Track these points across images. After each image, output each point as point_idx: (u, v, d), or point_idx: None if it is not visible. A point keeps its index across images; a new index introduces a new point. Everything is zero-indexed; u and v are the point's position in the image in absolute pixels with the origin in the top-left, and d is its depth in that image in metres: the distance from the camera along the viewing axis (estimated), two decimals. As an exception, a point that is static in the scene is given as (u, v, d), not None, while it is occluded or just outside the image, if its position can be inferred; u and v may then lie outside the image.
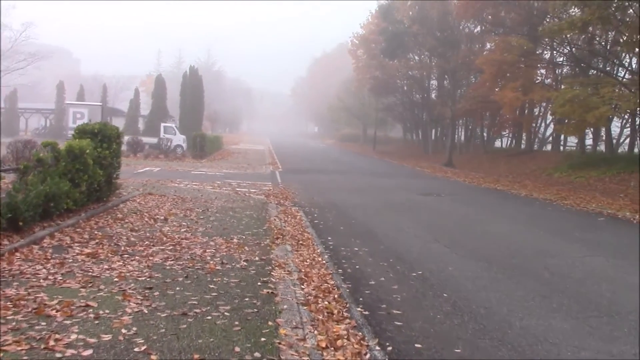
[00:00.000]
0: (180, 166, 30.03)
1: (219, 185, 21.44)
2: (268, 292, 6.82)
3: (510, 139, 53.35)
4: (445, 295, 7.39)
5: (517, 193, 22.91)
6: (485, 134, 52.43)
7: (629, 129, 39.69)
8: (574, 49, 34.43)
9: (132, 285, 6.73)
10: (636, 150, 35.43)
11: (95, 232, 9.84)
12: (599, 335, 6.08)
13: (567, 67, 40.19)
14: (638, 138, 35.89)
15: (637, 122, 34.80)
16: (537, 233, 12.96)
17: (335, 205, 17.00)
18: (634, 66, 34.06)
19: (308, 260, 9.01)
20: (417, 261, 9.44)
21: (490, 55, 34.31)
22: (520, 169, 35.77)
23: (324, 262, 9.03)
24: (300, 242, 10.69)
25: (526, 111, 40.97)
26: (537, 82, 36.29)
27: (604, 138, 38.09)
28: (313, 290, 7.22)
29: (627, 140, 40.17)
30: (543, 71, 40.38)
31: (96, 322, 5.43)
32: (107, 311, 5.74)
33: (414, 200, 18.98)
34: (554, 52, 38.81)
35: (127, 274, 7.23)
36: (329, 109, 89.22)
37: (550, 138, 48.69)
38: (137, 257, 8.18)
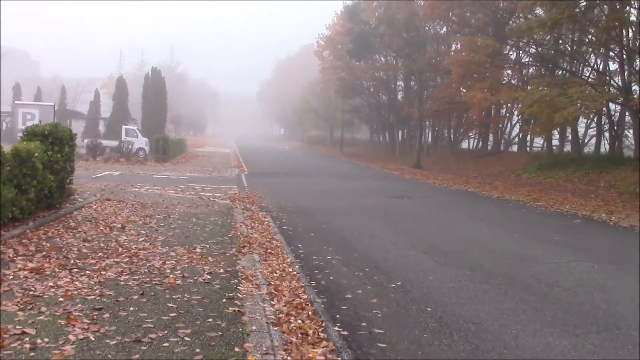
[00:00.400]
0: (141, 170, 28.96)
1: (182, 189, 20.55)
2: (234, 311, 6.07)
3: (476, 140, 53.51)
4: (429, 309, 6.75)
5: (489, 195, 22.55)
6: (451, 136, 52.40)
7: (594, 129, 40.01)
8: (540, 49, 34.42)
9: (79, 305, 5.91)
10: (602, 150, 35.59)
11: (43, 244, 8.94)
12: (604, 354, 5.50)
13: (533, 67, 40.34)
14: (603, 138, 36.05)
15: (603, 122, 34.93)
16: (516, 237, 12.46)
17: (305, 210, 16.30)
18: (599, 66, 34.23)
19: (278, 272, 8.29)
20: (395, 270, 8.80)
21: (458, 55, 34.03)
22: (488, 170, 35.63)
23: (295, 273, 8.32)
24: (269, 250, 9.96)
25: (492, 112, 40.87)
26: (504, 82, 36.14)
27: (569, 139, 38.26)
28: (285, 306, 6.51)
29: (593, 141, 40.57)
30: (509, 72, 40.38)
31: (32, 354, 4.62)
32: (46, 340, 4.93)
33: (385, 204, 18.39)
34: (520, 52, 38.87)
35: (75, 292, 6.40)
36: (295, 111, 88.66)
37: (517, 139, 48.98)
38: (87, 272, 7.34)
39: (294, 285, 7.51)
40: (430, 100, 43.25)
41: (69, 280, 6.87)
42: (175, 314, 5.81)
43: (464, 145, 54.36)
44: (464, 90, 43.26)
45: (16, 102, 29.51)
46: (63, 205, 12.74)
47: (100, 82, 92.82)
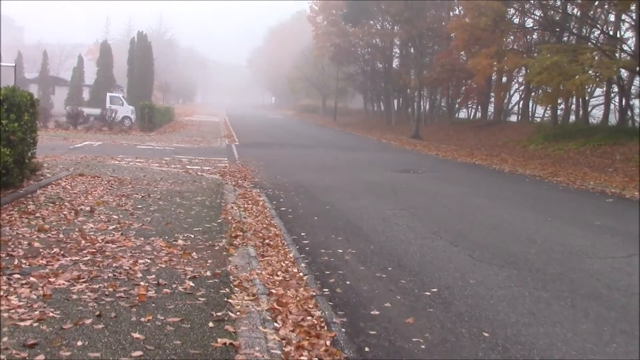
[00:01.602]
0: (125, 140, 27.05)
1: (167, 162, 18.75)
2: (224, 344, 4.37)
3: (474, 109, 51.72)
4: (486, 334, 5.06)
5: (499, 168, 20.88)
6: (447, 105, 50.46)
7: (596, 98, 38.29)
8: (548, 12, 32.44)
9: (5, 339, 4.18)
10: (612, 120, 33.91)
11: (-14, 235, 7.18)
12: None
13: (536, 33, 38.32)
14: (613, 108, 34.34)
15: (614, 91, 33.17)
16: (550, 221, 10.76)
17: (304, 187, 14.56)
18: (610, 31, 32.34)
19: (280, 273, 6.58)
20: (424, 270, 7.11)
21: (462, 20, 31.97)
22: (490, 141, 33.95)
23: (302, 275, 6.62)
24: (267, 241, 8.25)
25: (494, 80, 39.02)
26: (509, 48, 34.18)
27: (574, 109, 36.54)
28: (292, 331, 4.82)
29: (595, 111, 38.92)
30: (512, 38, 38.38)
31: None
32: None
33: (391, 179, 16.67)
34: (525, 16, 36.84)
35: (5, 314, 4.66)
36: (287, 79, 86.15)
37: (516, 108, 47.23)
38: (32, 278, 5.59)
39: (302, 295, 5.81)
40: (430, 68, 41.19)
41: (2, 293, 5.12)
42: (140, 353, 4.09)
43: (461, 114, 52.57)
44: (466, 57, 41.44)
45: (-31, 65, 26.49)
46: (25, 184, 10.93)
47: (86, 48, 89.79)
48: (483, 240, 8.82)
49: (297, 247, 8.10)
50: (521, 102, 44.73)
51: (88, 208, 9.50)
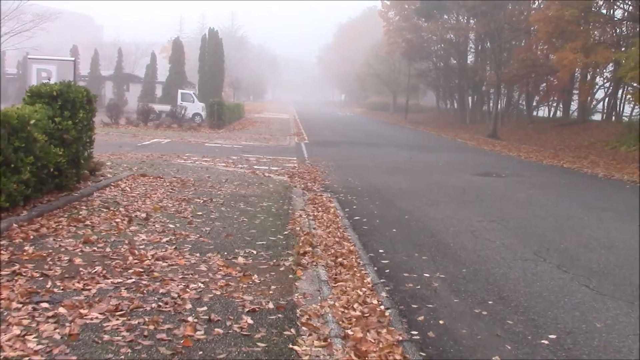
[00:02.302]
0: (193, 137, 26.58)
1: (234, 161, 17.94)
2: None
3: (553, 107, 48.98)
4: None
5: (592, 172, 19.02)
6: (526, 103, 47.87)
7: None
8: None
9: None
10: None
11: (25, 248, 6.37)
12: None
13: (625, 25, 35.49)
14: None
15: None
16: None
17: (378, 191, 13.37)
18: None
19: (357, 306, 5.44)
20: (534, 306, 5.80)
21: (545, 12, 29.85)
22: (575, 141, 31.66)
23: (383, 308, 5.45)
24: (340, 259, 7.13)
25: (578, 76, 36.49)
26: (596, 42, 31.71)
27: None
28: (377, 398, 3.67)
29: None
30: (598, 31, 35.70)
31: None
32: None
33: (472, 184, 15.23)
34: (613, 8, 34.20)
35: (17, 361, 3.73)
36: (357, 76, 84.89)
37: (600, 106, 44.27)
38: (62, 309, 4.67)
39: (385, 340, 4.63)
40: (507, 64, 39.03)
41: (19, 332, 4.19)
42: None
43: (539, 113, 49.86)
44: (547, 52, 39.08)
45: (29, 56, 24.99)
46: (81, 185, 10.23)
47: (160, 46, 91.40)
48: (597, 265, 7.38)
49: (376, 268, 6.93)
50: (606, 100, 41.91)
51: (144, 215, 8.64)
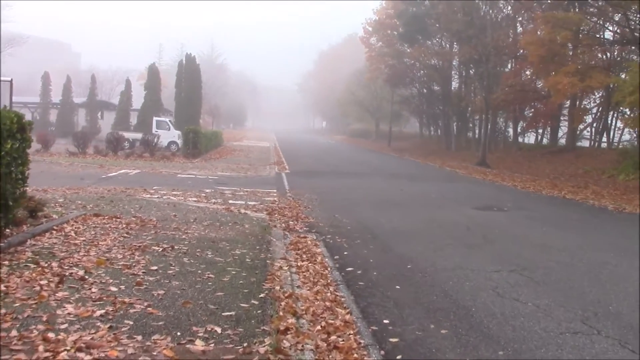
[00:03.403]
0: (166, 168, 24.68)
1: (207, 195, 16.10)
2: None
3: (539, 134, 47.94)
4: None
5: (599, 205, 17.46)
6: (512, 129, 46.62)
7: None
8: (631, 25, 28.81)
9: None
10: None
11: None
12: None
13: (616, 48, 34.48)
14: None
15: None
16: None
17: (370, 231, 11.62)
18: None
19: None
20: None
21: (538, 34, 28.65)
22: (568, 169, 30.35)
23: None
24: (333, 336, 5.33)
25: (567, 102, 35.31)
26: (591, 66, 30.58)
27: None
28: None
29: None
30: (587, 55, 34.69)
31: None
32: None
33: (475, 220, 13.55)
34: (603, 30, 33.20)
35: None
36: (338, 102, 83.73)
37: (587, 133, 43.17)
38: None
39: None
40: (498, 89, 37.83)
41: None
42: None
43: (525, 140, 48.69)
44: (536, 77, 37.99)
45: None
46: (13, 231, 8.35)
47: (137, 73, 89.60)
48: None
49: (383, 352, 5.14)
50: (594, 126, 40.86)
51: (81, 272, 6.78)
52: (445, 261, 8.96)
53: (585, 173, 28.47)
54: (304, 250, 9.38)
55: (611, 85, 31.21)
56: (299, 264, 8.29)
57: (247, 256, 8.38)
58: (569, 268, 8.77)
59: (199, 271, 7.29)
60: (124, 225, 10.16)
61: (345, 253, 9.43)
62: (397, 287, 7.42)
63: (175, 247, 8.61)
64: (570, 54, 29.69)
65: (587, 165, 30.60)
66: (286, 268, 7.94)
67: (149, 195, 15.20)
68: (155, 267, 7.29)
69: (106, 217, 10.87)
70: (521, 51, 37.91)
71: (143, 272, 7.01)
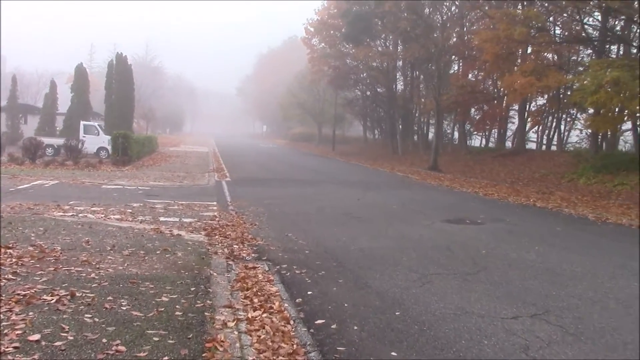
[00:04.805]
0: (90, 177, 21.80)
1: (134, 211, 13.57)
2: None
3: (485, 137, 47.10)
4: None
5: (577, 214, 15.82)
6: (461, 132, 45.46)
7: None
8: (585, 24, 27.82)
9: None
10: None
11: None
12: None
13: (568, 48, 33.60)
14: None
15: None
16: None
17: (334, 257, 9.41)
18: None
19: None
20: None
21: (493, 31, 27.18)
22: (523, 173, 29.09)
23: None
24: None
25: (529, 104, 34.24)
26: (547, 65, 29.40)
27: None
28: None
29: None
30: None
31: None
32: None
33: (452, 237, 11.55)
34: (558, 28, 32.24)
35: None
36: (280, 106, 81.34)
37: (535, 135, 42.45)
38: None
39: None
40: (444, 90, 36.39)
41: None
42: None
43: (471, 143, 47.69)
44: (491, 76, 36.86)
45: None
46: None
47: (66, 75, 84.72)
48: None
49: None
50: (539, 128, 40.08)
51: None
52: (441, 302, 6.85)
53: (543, 177, 27.22)
54: (254, 290, 7.11)
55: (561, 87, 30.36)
56: (250, 316, 6.01)
57: (178, 305, 6.06)
58: (602, 308, 6.79)
59: (104, 339, 4.93)
60: (14, 260, 7.64)
61: (310, 293, 7.19)
62: (394, 353, 5.23)
63: (78, 294, 6.20)
64: (528, 52, 28.44)
65: (541, 168, 29.43)
66: (233, 324, 5.66)
67: (61, 214, 12.56)
68: (36, 337, 4.88)
69: (-6, 248, 8.30)
70: (470, 52, 36.72)
71: (14, 349, 4.60)
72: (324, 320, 6.06)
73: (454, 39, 38.42)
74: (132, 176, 23.10)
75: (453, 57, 38.91)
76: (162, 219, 12.67)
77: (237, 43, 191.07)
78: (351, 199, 17.93)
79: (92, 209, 13.65)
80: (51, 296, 6.09)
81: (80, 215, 12.46)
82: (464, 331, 5.81)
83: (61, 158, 27.40)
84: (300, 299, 6.87)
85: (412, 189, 22.40)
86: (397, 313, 6.38)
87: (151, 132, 67.99)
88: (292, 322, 5.95)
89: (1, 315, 5.38)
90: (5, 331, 4.97)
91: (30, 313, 5.49)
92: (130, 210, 13.65)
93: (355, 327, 5.89)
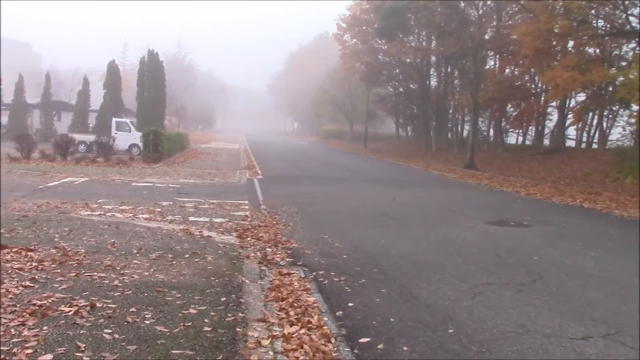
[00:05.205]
0: (120, 174, 21.50)
1: (163, 210, 13.10)
2: None
3: (519, 135, 45.83)
4: None
5: (629, 216, 14.87)
6: (497, 129, 44.16)
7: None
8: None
9: None
10: None
11: None
12: None
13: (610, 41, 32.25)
14: None
15: None
16: None
17: (374, 262, 8.76)
18: None
19: None
20: None
21: (533, 25, 26.11)
22: (564, 172, 28.00)
23: None
24: None
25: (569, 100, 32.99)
26: (591, 59, 28.22)
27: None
28: None
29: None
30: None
31: None
32: None
33: (497, 241, 10.78)
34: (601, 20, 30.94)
35: None
36: (312, 102, 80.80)
37: (573, 133, 41.01)
38: None
39: None
40: (486, 86, 35.35)
41: None
42: None
43: (507, 140, 46.39)
44: (530, 72, 35.68)
45: None
46: None
47: (100, 73, 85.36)
48: None
49: None
50: (578, 125, 38.64)
51: None
52: (498, 317, 6.14)
53: (586, 176, 26.14)
54: (290, 300, 6.49)
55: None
56: (286, 332, 5.39)
57: (206, 319, 5.47)
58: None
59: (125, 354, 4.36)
60: (34, 264, 7.17)
61: (351, 305, 6.54)
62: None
63: (98, 305, 5.66)
64: (569, 46, 27.36)
65: (583, 167, 28.31)
66: (267, 342, 5.04)
67: (88, 212, 12.15)
68: (48, 357, 4.33)
69: (13, 251, 7.86)
70: (507, 47, 35.61)
71: (22, 370, 4.06)
72: (369, 339, 5.41)
73: (491, 34, 37.26)
74: (163, 173, 22.75)
75: (489, 52, 37.70)
76: (192, 218, 12.17)
77: (268, 40, 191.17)
78: (386, 198, 17.22)
79: (121, 207, 13.24)
80: (69, 307, 5.56)
81: (107, 214, 12.03)
82: (530, 354, 5.10)
83: (92, 155, 27.22)
84: (340, 312, 6.23)
85: (449, 188, 21.59)
86: (450, 330, 5.70)
87: (183, 129, 68.15)
88: (333, 340, 5.32)
89: (12, 330, 4.86)
90: (15, 350, 4.44)
91: (45, 327, 4.95)
92: (159, 209, 13.18)
93: (405, 348, 5.22)
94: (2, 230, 9.24)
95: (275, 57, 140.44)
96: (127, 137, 34.85)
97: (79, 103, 45.88)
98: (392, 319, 6.03)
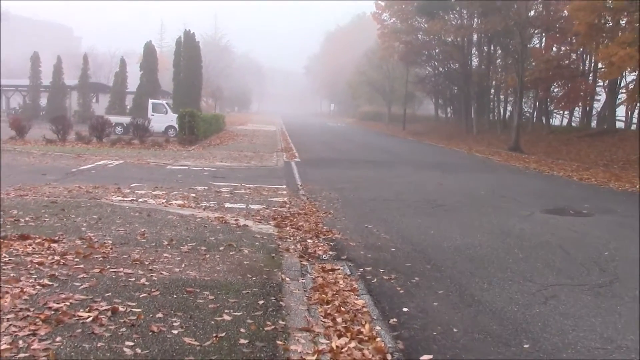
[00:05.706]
0: (155, 157, 21.01)
1: (198, 196, 12.48)
2: None
3: (564, 116, 44.19)
4: None
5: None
6: (542, 110, 42.50)
7: None
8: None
9: None
10: None
11: None
12: None
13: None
14: None
15: None
16: None
17: (426, 257, 7.94)
18: None
19: None
20: None
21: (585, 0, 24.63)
22: (617, 155, 26.63)
23: None
24: None
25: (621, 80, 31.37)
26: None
27: None
28: None
29: None
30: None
31: None
32: None
33: (558, 233, 9.84)
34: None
35: None
36: (348, 83, 79.62)
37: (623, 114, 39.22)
38: None
39: None
40: (531, 65, 33.90)
41: None
42: None
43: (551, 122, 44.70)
44: (581, 49, 34.08)
45: None
46: None
47: (137, 55, 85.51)
48: None
49: None
50: (628, 106, 36.81)
51: None
52: (579, 329, 5.27)
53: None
54: (336, 303, 5.73)
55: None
56: (334, 345, 4.62)
57: (242, 328, 4.75)
58: None
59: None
60: (57, 258, 6.56)
61: (406, 310, 5.75)
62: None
63: (121, 309, 4.98)
64: (623, 22, 25.79)
65: (636, 149, 26.81)
66: (313, 359, 4.29)
67: (120, 198, 11.58)
68: (56, 382, 3.66)
69: (36, 241, 7.28)
70: (555, 24, 34.05)
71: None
72: (431, 356, 4.61)
73: (538, 10, 35.64)
74: (198, 156, 22.20)
75: (536, 30, 36.08)
76: (227, 205, 11.50)
77: (304, 21, 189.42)
78: (431, 184, 16.32)
79: (154, 192, 12.66)
80: (89, 312, 4.90)
81: (139, 200, 11.44)
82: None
83: (128, 137, 26.83)
84: (394, 319, 5.44)
85: (496, 172, 20.54)
86: (525, 346, 4.87)
87: (219, 110, 67.86)
88: (389, 356, 4.54)
89: (20, 342, 4.21)
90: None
91: (58, 338, 4.29)
92: (193, 195, 12.56)
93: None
94: (27, 218, 8.70)
95: (312, 39, 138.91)
96: (163, 119, 34.47)
97: (116, 85, 45.73)
98: (454, 329, 5.22)
